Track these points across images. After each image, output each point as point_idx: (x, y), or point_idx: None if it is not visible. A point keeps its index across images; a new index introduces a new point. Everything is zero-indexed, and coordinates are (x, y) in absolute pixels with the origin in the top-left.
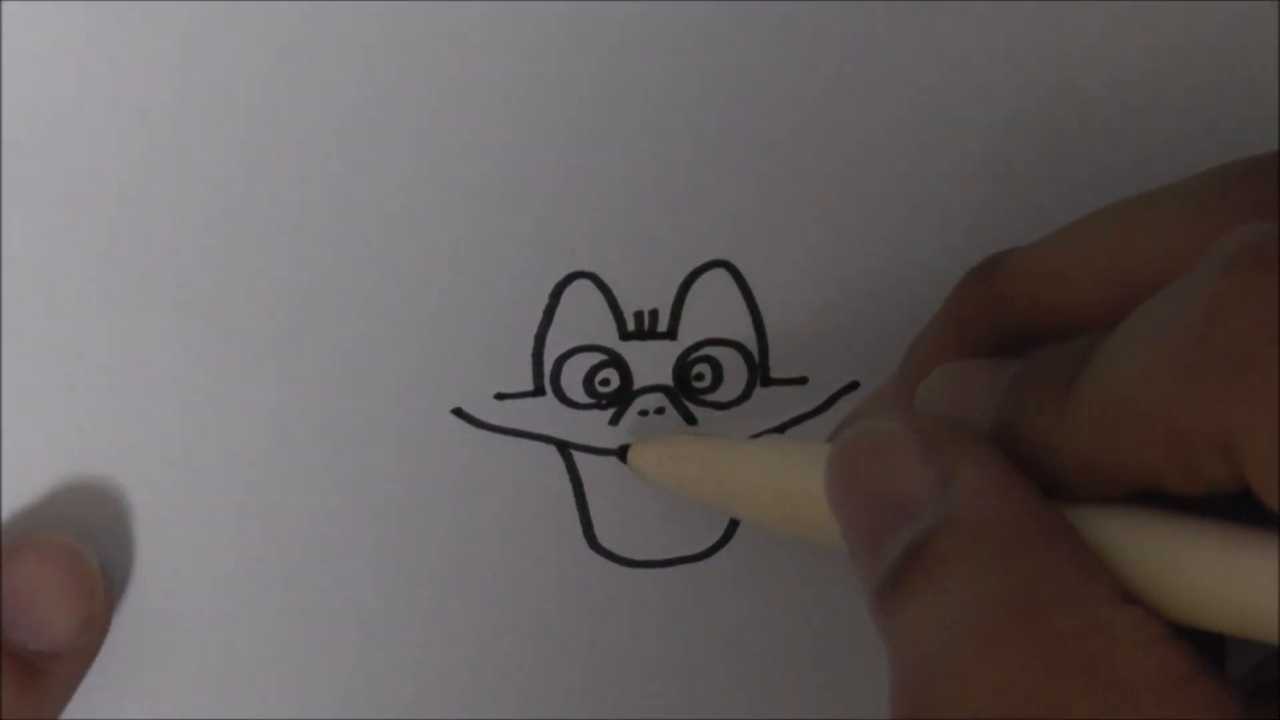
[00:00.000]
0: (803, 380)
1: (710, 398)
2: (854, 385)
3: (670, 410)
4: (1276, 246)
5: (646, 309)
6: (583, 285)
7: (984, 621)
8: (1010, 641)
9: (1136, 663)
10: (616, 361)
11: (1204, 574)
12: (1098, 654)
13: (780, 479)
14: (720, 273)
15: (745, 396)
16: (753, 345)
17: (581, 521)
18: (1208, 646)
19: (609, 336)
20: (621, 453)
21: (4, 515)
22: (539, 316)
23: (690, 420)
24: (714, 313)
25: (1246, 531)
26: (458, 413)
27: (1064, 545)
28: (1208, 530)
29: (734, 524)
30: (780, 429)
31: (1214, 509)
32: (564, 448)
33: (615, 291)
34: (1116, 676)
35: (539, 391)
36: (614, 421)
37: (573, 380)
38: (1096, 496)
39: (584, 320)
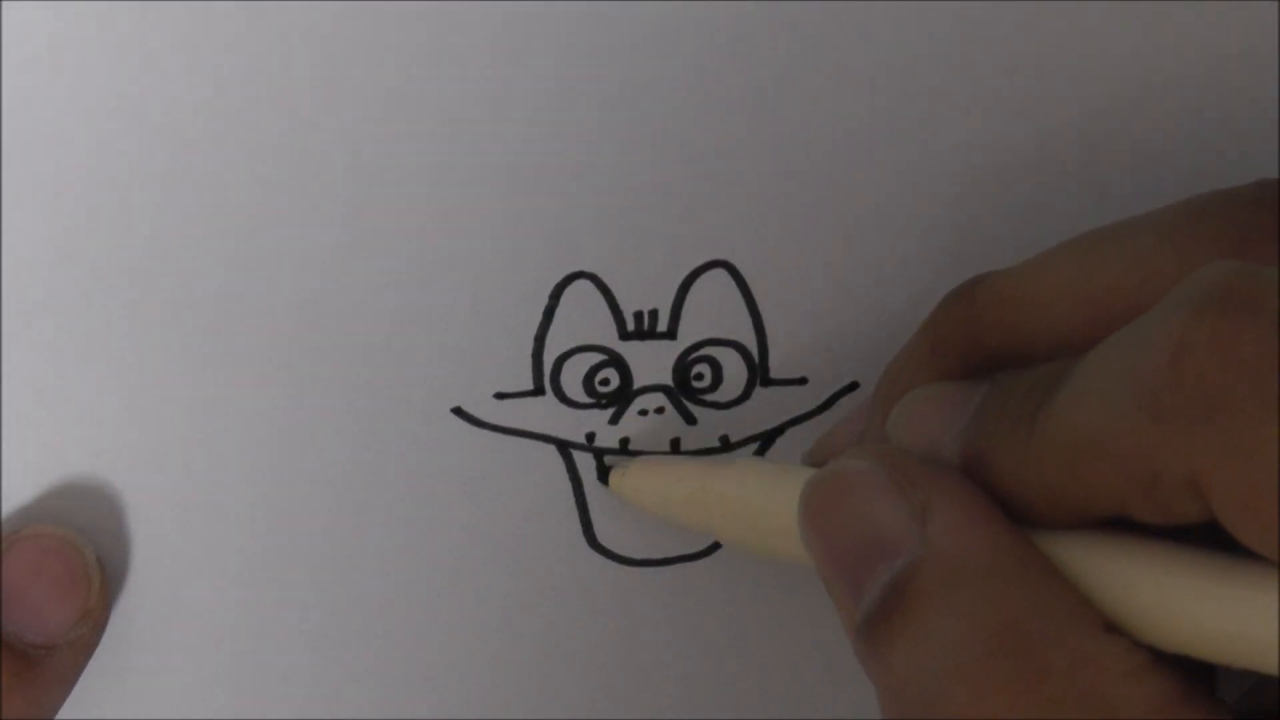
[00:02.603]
0: (803, 381)
1: (710, 398)
2: (854, 386)
3: (670, 410)
4: (1244, 286)
5: (646, 309)
6: (583, 285)
7: (972, 659)
8: (1000, 678)
9: (1127, 692)
10: (616, 361)
11: (1185, 602)
12: (1088, 686)
13: (757, 505)
14: (720, 273)
15: (745, 396)
16: (752, 345)
17: (581, 521)
18: (1198, 671)
19: (609, 336)
20: (603, 474)
21: (3, 510)
22: (539, 316)
23: (690, 420)
24: (714, 313)
25: (1223, 559)
26: (458, 413)
27: (1043, 577)
28: (1184, 558)
29: None
30: (780, 429)
31: (1179, 533)
32: (564, 448)
33: (615, 291)
34: (1108, 707)
35: (539, 391)
36: (614, 421)
37: (573, 380)
38: (1063, 523)
39: (584, 320)
